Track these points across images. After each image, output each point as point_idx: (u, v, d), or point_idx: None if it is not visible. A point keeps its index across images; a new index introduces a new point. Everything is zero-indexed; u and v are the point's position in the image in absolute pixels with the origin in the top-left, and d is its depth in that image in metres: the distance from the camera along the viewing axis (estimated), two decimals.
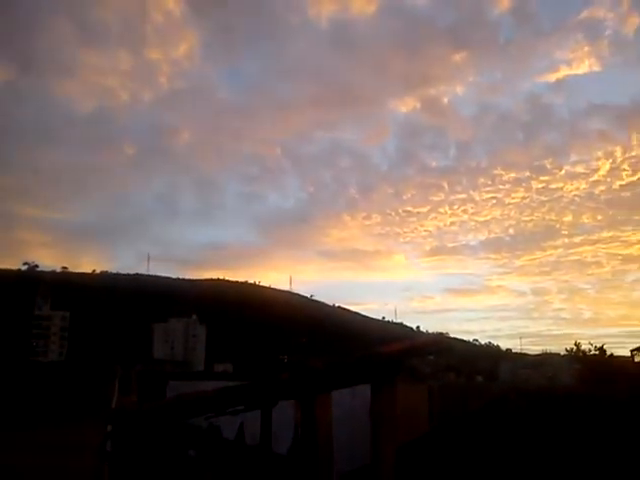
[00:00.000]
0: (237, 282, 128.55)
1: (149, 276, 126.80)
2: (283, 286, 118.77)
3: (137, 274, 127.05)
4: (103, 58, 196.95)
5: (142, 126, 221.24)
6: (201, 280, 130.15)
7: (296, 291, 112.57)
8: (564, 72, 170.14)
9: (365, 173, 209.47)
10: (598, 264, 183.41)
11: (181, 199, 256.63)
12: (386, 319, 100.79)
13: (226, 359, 72.02)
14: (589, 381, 31.31)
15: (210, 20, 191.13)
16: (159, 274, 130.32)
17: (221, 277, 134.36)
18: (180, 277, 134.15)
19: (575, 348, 34.57)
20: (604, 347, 33.72)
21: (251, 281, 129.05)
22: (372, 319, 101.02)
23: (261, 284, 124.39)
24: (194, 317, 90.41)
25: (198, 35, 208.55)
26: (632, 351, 57.20)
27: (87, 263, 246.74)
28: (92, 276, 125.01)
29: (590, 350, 34.17)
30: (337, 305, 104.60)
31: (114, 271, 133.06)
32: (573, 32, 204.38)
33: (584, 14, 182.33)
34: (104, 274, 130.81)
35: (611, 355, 34.14)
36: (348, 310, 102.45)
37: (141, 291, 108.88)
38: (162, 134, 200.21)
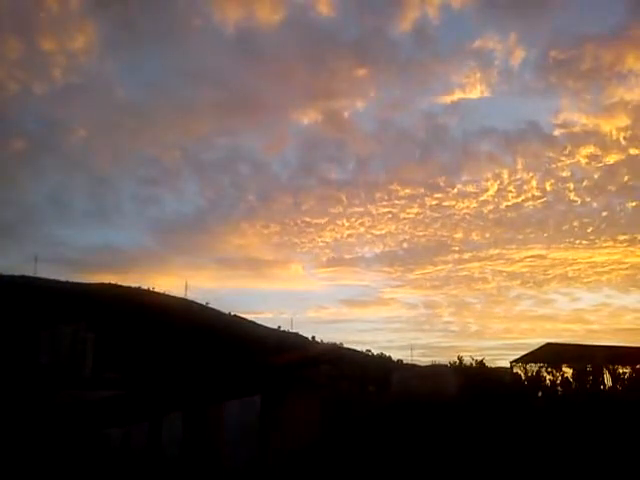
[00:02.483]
0: (130, 287, 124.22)
1: (36, 278, 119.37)
2: (178, 293, 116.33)
3: (23, 276, 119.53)
4: None
5: (33, 120, 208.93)
6: (92, 284, 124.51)
7: (192, 298, 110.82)
8: (458, 95, 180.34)
9: (265, 182, 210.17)
10: (484, 280, 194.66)
11: (74, 199, 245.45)
12: (282, 328, 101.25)
13: (116, 367, 69.26)
14: (470, 391, 33.13)
15: (111, 14, 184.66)
16: (47, 277, 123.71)
17: (113, 282, 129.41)
18: (70, 280, 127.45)
19: (458, 361, 36.72)
20: (484, 360, 36.00)
21: (145, 287, 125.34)
22: (268, 328, 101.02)
23: (155, 290, 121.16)
24: (83, 323, 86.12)
25: (98, 28, 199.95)
26: (511, 362, 61.33)
27: None
28: None
29: (471, 363, 36.37)
30: (233, 313, 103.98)
31: None
32: (467, 59, 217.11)
33: (477, 43, 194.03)
34: None
35: (487, 366, 36.40)
36: (244, 319, 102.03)
37: (27, 294, 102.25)
38: (55, 130, 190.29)
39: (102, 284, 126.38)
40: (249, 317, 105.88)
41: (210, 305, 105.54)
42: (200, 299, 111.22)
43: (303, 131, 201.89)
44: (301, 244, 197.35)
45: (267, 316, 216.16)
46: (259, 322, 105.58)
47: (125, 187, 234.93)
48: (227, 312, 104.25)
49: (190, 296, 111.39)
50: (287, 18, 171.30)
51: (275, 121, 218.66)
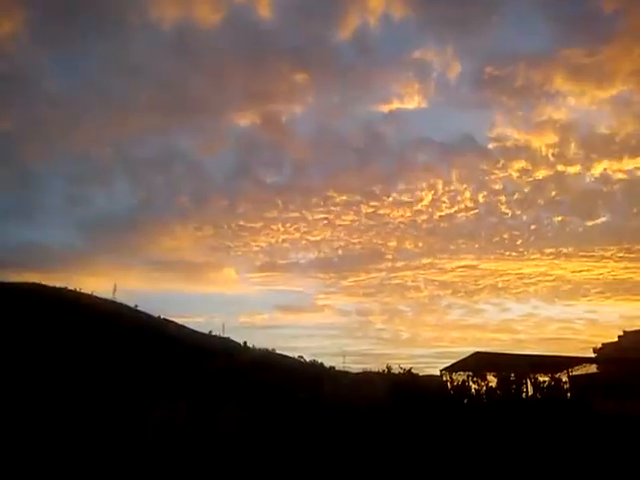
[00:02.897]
0: (55, 287, 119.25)
1: None
2: (106, 294, 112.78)
3: None
4: None
5: None
6: (14, 283, 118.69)
7: (120, 300, 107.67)
8: (396, 105, 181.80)
9: (199, 183, 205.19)
10: (417, 288, 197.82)
11: None
12: (213, 333, 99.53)
13: (40, 370, 66.07)
14: (397, 398, 33.67)
15: (42, 1, 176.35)
16: None
17: (37, 281, 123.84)
18: None
19: (386, 369, 37.27)
20: (412, 369, 36.67)
21: (71, 287, 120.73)
22: (199, 333, 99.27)
23: (82, 291, 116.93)
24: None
25: (26, 15, 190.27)
26: (441, 371, 62.65)
27: None
28: None
29: (399, 371, 36.96)
30: (163, 317, 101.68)
31: None
32: (406, 69, 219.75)
33: (416, 54, 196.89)
34: None
35: (414, 374, 37.06)
36: (174, 322, 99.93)
37: None
38: None
39: (26, 283, 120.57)
40: (180, 321, 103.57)
41: (139, 308, 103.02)
42: (129, 301, 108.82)
43: (240, 133, 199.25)
44: (235, 248, 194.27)
45: (198, 320, 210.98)
46: (190, 326, 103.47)
47: (53, 184, 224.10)
48: (157, 315, 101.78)
49: (118, 298, 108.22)
50: (226, 19, 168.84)
51: (212, 122, 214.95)
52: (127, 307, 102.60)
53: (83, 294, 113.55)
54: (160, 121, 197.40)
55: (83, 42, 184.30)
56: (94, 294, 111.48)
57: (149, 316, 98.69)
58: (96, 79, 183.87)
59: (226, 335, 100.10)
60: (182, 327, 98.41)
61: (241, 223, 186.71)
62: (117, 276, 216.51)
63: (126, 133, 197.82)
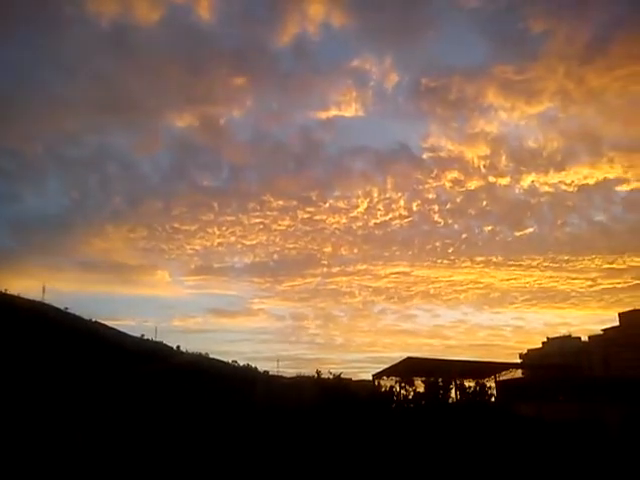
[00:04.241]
0: None
1: None
2: (35, 295, 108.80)
3: None
4: None
5: None
6: None
7: (49, 302, 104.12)
8: (334, 112, 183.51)
9: (134, 184, 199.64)
10: (351, 294, 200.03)
11: None
12: (146, 337, 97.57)
13: None
14: (326, 402, 34.17)
15: None
16: None
17: None
18: None
19: (316, 374, 37.80)
20: (342, 374, 37.33)
21: None
22: (131, 336, 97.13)
23: (8, 292, 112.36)
24: None
25: None
26: (374, 376, 63.72)
27: None
28: None
29: (329, 376, 37.53)
30: (94, 319, 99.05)
31: None
32: (344, 77, 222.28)
33: (355, 63, 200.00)
34: None
35: (343, 379, 37.74)
36: (105, 325, 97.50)
37: None
38: None
39: None
40: (111, 324, 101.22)
41: (69, 310, 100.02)
42: (59, 303, 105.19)
43: (177, 135, 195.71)
44: (169, 250, 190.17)
45: (130, 323, 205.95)
46: (122, 329, 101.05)
47: None
48: (88, 318, 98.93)
49: (48, 299, 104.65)
50: (166, 18, 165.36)
51: (148, 122, 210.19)
52: (56, 309, 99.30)
53: (9, 295, 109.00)
54: (95, 119, 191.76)
55: (16, 36, 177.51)
56: (21, 295, 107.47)
57: (79, 318, 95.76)
58: (28, 74, 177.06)
59: (159, 339, 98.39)
60: (114, 330, 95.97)
61: (176, 225, 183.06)
62: (47, 277, 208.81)
63: (59, 131, 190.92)
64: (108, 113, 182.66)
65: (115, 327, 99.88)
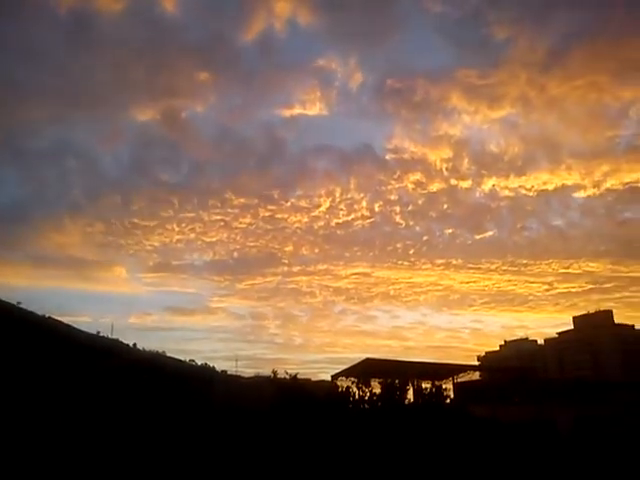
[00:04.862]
0: None
1: None
2: None
3: None
4: None
5: None
6: None
7: (0, 296, 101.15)
8: (298, 110, 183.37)
9: (93, 178, 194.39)
10: (312, 294, 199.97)
11: None
12: (101, 334, 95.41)
13: None
14: (282, 402, 33.97)
15: None
16: None
17: None
18: None
19: (273, 375, 37.54)
20: (297, 374, 37.14)
21: None
22: (85, 332, 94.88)
23: None
24: None
25: None
26: (332, 376, 63.67)
27: None
28: None
29: (285, 376, 37.28)
30: (48, 315, 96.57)
31: None
32: (309, 76, 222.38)
33: (320, 62, 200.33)
34: None
35: (299, 380, 37.58)
36: (59, 321, 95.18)
37: None
38: None
39: None
40: (66, 320, 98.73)
41: (22, 305, 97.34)
42: (10, 298, 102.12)
43: (139, 128, 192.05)
44: (127, 246, 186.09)
45: (86, 320, 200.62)
46: (77, 326, 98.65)
47: None
48: (42, 313, 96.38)
49: None
50: (129, 9, 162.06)
51: (109, 115, 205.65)
52: (8, 303, 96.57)
53: None
54: (55, 110, 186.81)
55: None
56: None
57: (32, 314, 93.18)
58: None
59: (115, 336, 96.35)
60: (69, 326, 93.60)
61: (135, 221, 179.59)
62: None
63: (16, 121, 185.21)
64: (68, 104, 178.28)
65: (70, 323, 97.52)
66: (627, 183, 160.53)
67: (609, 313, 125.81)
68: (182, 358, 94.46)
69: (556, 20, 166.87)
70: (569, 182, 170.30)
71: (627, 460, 28.43)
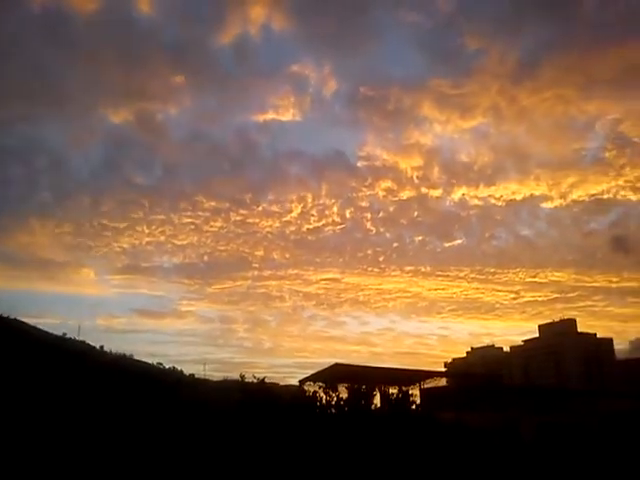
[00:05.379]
0: None
1: None
2: None
3: None
4: None
5: None
6: None
7: None
8: (271, 115, 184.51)
9: (62, 178, 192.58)
10: (281, 299, 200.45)
11: None
12: (68, 336, 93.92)
13: None
14: (249, 406, 34.13)
15: None
16: None
17: None
18: None
19: (240, 378, 37.59)
20: (265, 378, 37.24)
21: None
22: (52, 335, 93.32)
23: None
24: None
25: None
26: (300, 381, 63.77)
27: None
28: None
29: (253, 380, 37.35)
30: (14, 317, 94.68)
31: None
32: (283, 81, 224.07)
33: (294, 68, 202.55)
34: None
35: (266, 384, 37.70)
36: (26, 323, 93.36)
37: None
38: None
39: None
40: (33, 322, 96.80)
41: None
42: None
43: (111, 129, 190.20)
44: (96, 247, 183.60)
45: (52, 322, 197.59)
46: (43, 328, 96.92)
47: None
48: (7, 315, 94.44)
49: None
50: (103, 9, 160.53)
51: (81, 115, 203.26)
52: None
53: None
54: (24, 109, 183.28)
55: None
56: None
57: None
58: None
59: (82, 338, 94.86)
60: (35, 328, 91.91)
61: (104, 222, 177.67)
62: None
63: None
64: (39, 103, 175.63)
65: (36, 325, 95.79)
66: (593, 195, 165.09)
67: (573, 322, 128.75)
68: (150, 361, 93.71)
69: (527, 33, 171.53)
70: (537, 192, 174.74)
71: (584, 466, 29.29)
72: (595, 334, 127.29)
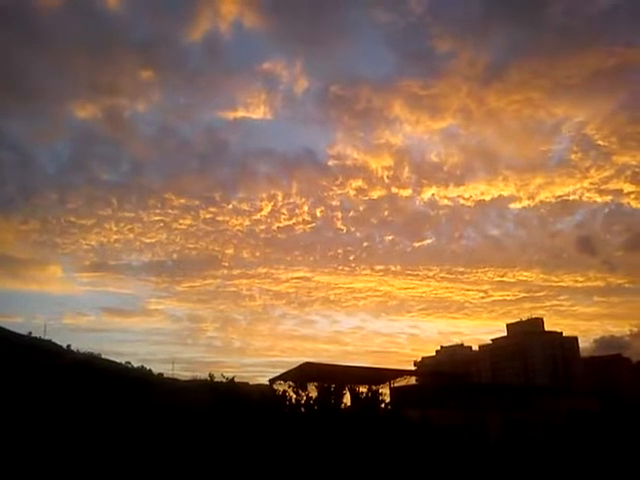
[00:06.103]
0: None
1: None
2: None
3: None
4: None
5: None
6: None
7: None
8: (242, 113, 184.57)
9: (28, 173, 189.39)
10: (251, 297, 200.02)
11: None
12: (33, 334, 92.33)
13: None
14: (218, 405, 34.13)
15: None
16: None
17: None
18: None
19: (209, 378, 37.45)
20: (234, 378, 37.15)
21: None
22: (17, 334, 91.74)
23: None
24: None
25: None
26: (270, 380, 63.68)
27: None
28: None
29: (222, 380, 37.27)
30: None
31: None
32: (254, 79, 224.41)
33: (265, 66, 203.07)
34: None
35: (236, 383, 37.62)
36: None
37: None
38: None
39: None
40: None
41: None
42: None
43: (78, 125, 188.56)
44: (63, 245, 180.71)
45: (17, 320, 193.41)
46: (8, 327, 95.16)
47: None
48: None
49: None
50: (70, 2, 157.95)
51: (48, 110, 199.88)
52: None
53: None
54: None
55: None
56: None
57: None
58: None
59: (48, 337, 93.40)
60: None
61: (71, 219, 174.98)
62: None
63: None
64: (3, 97, 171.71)
65: (0, 324, 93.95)
66: (559, 196, 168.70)
67: (540, 321, 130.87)
68: (118, 360, 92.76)
69: (495, 37, 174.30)
70: (505, 193, 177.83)
71: (544, 460, 30.03)
72: (561, 333, 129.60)
